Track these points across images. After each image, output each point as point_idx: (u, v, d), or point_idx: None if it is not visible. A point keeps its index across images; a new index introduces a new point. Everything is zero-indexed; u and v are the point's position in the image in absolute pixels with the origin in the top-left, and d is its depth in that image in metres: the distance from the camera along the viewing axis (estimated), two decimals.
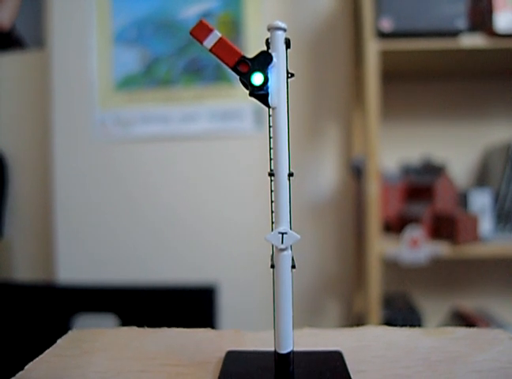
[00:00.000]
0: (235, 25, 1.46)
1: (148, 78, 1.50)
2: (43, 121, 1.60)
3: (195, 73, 1.49)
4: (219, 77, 1.47)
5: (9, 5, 1.61)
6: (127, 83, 1.51)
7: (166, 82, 1.50)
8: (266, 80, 0.38)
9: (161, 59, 1.50)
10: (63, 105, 1.54)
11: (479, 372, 0.42)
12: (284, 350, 0.41)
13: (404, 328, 0.52)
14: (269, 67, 0.38)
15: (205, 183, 1.52)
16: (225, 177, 1.51)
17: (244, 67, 0.38)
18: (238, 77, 0.39)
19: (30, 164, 1.66)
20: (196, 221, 1.52)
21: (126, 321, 1.35)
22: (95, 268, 1.53)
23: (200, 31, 0.39)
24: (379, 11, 1.17)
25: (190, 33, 0.39)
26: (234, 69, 0.39)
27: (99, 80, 1.51)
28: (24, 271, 1.65)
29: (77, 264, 1.53)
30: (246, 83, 0.39)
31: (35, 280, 1.60)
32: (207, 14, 1.47)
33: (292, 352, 0.41)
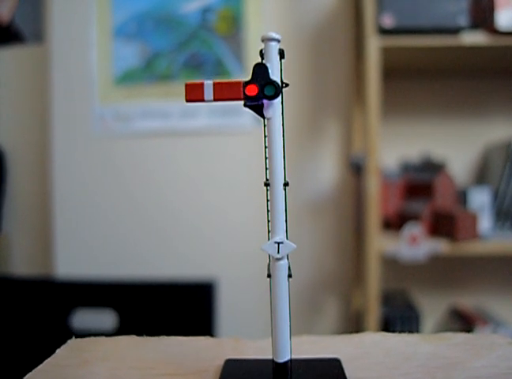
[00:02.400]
0: (235, 21, 1.46)
1: (148, 73, 1.49)
2: (42, 115, 1.60)
3: (195, 68, 1.48)
4: (219, 73, 1.47)
5: None
6: (127, 78, 1.50)
7: (166, 77, 1.49)
8: (277, 87, 0.38)
9: (161, 54, 1.49)
10: (62, 100, 1.53)
11: (477, 378, 0.42)
12: (281, 359, 0.41)
13: (402, 335, 0.52)
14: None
15: (204, 179, 1.52)
16: (225, 173, 1.51)
17: (252, 89, 0.38)
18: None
19: (29, 159, 1.66)
20: (195, 216, 1.52)
21: (124, 317, 1.35)
22: (93, 263, 1.53)
23: (193, 92, 0.39)
24: (381, 7, 1.17)
25: (187, 101, 0.39)
26: (246, 97, 0.38)
27: (99, 75, 1.51)
28: (22, 265, 1.65)
29: (76, 259, 1.53)
30: (260, 102, 0.39)
31: (34, 275, 1.60)
32: (207, 9, 1.46)
33: (290, 361, 0.41)
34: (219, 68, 1.47)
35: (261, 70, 0.38)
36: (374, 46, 1.18)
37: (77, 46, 1.52)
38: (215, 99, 0.39)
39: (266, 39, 0.39)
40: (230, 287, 1.47)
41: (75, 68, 1.53)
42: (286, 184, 0.40)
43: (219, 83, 0.38)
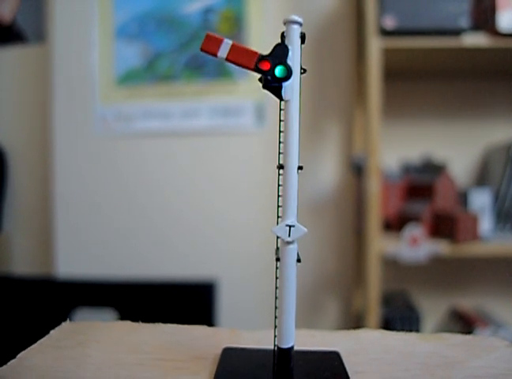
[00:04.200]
0: (237, 21, 1.46)
1: (149, 73, 1.50)
2: (44, 115, 1.60)
3: (197, 68, 1.48)
4: (220, 73, 1.47)
5: None
6: (128, 78, 1.50)
7: (167, 77, 1.49)
8: (290, 71, 0.38)
9: (163, 55, 1.49)
10: (64, 100, 1.53)
11: (477, 377, 0.42)
12: (285, 345, 0.41)
13: (400, 333, 0.52)
14: (288, 59, 0.39)
15: (205, 179, 1.52)
16: (226, 173, 1.51)
17: (265, 65, 0.38)
18: (251, 74, 0.39)
19: (30, 159, 1.66)
20: (196, 216, 1.52)
21: (124, 316, 1.35)
22: (94, 262, 1.53)
23: (210, 44, 0.39)
24: (382, 9, 1.17)
25: (201, 49, 0.39)
26: (256, 69, 0.38)
27: (101, 75, 1.51)
28: (23, 265, 1.65)
29: (77, 259, 1.53)
30: (270, 79, 0.39)
31: (35, 274, 1.60)
32: (209, 10, 1.46)
33: (293, 348, 0.41)
34: (220, 69, 1.47)
35: (280, 50, 0.38)
36: (375, 47, 1.18)
37: (79, 46, 1.52)
38: (227, 59, 0.39)
39: (288, 22, 0.39)
40: (230, 287, 1.47)
41: (77, 68, 1.53)
42: (300, 167, 0.40)
43: (237, 46, 0.38)
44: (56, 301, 1.41)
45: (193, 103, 1.48)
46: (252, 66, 0.38)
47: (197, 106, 1.48)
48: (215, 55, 0.39)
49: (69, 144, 1.54)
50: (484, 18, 1.20)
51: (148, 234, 1.53)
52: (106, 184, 1.54)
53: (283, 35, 0.39)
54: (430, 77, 1.52)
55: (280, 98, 0.39)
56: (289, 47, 0.39)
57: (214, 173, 1.52)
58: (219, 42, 0.38)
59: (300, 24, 0.39)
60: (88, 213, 1.54)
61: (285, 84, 0.39)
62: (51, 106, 1.54)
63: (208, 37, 0.39)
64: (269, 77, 0.38)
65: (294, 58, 0.39)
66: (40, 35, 1.63)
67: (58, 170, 1.54)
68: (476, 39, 1.18)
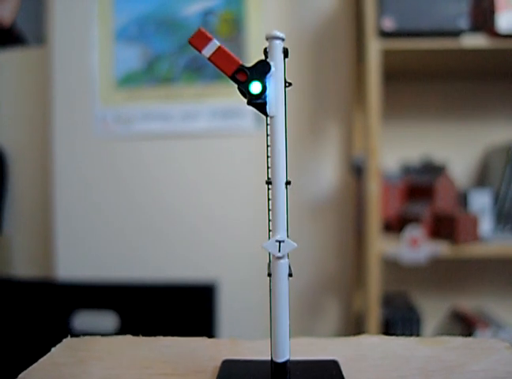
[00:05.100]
0: (236, 23, 1.46)
1: (149, 75, 1.50)
2: (44, 117, 1.60)
3: (196, 70, 1.48)
4: (220, 76, 1.47)
5: (10, 1, 1.61)
6: (128, 80, 1.50)
7: (167, 80, 1.49)
8: (264, 89, 0.39)
9: (162, 57, 1.49)
10: (64, 102, 1.53)
11: None
12: (280, 359, 0.41)
13: (400, 338, 0.52)
14: (267, 76, 0.39)
15: (205, 181, 1.52)
16: (226, 175, 1.51)
17: (242, 76, 0.39)
18: (236, 86, 0.39)
19: (30, 161, 1.66)
20: (196, 218, 1.52)
21: (125, 319, 1.35)
22: (94, 264, 1.53)
23: (198, 40, 0.39)
24: (381, 10, 1.17)
25: (189, 42, 0.39)
26: (232, 77, 0.39)
27: (100, 77, 1.51)
28: (23, 267, 1.65)
29: (77, 261, 1.53)
30: (245, 91, 0.39)
31: (35, 277, 1.60)
32: (208, 12, 1.46)
33: (289, 361, 0.41)
34: (219, 71, 1.47)
35: (262, 67, 0.39)
36: (374, 48, 1.18)
37: (79, 48, 1.52)
38: (209, 59, 0.39)
39: (270, 38, 0.39)
40: (231, 289, 1.47)
41: (77, 70, 1.53)
42: (288, 183, 0.40)
43: (223, 50, 0.39)
44: (56, 303, 1.41)
45: (193, 105, 1.48)
46: (229, 74, 0.39)
47: (197, 108, 1.48)
48: (199, 51, 0.39)
49: (69, 146, 1.54)
50: (483, 19, 1.20)
51: (149, 236, 1.53)
52: (106, 186, 1.54)
53: (266, 51, 0.39)
54: (429, 78, 1.52)
55: (265, 114, 0.39)
56: (271, 64, 0.39)
57: (214, 175, 1.51)
58: (207, 40, 0.39)
59: (282, 39, 0.39)
60: (88, 215, 1.54)
61: (270, 100, 0.39)
62: (51, 109, 1.54)
63: (199, 32, 0.39)
64: (243, 89, 0.39)
65: (277, 74, 0.39)
66: (40, 37, 1.63)
67: (58, 172, 1.54)
68: (475, 40, 1.18)
